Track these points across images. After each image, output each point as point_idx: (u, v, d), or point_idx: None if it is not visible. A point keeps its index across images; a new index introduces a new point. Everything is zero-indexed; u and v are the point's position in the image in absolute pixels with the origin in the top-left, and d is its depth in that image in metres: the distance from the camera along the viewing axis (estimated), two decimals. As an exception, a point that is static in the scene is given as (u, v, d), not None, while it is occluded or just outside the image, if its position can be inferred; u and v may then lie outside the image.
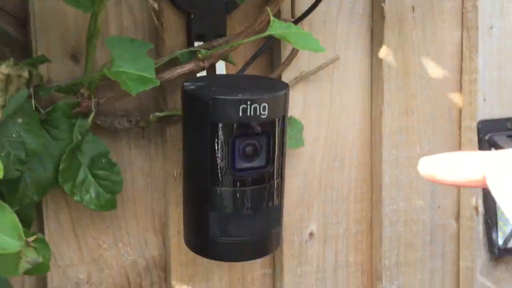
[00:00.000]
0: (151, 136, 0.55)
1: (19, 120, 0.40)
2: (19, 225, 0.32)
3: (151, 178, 0.56)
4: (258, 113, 0.43)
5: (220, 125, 0.43)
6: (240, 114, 0.42)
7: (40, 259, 0.37)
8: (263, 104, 0.43)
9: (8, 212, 0.32)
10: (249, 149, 0.45)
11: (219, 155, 0.44)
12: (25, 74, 0.39)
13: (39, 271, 0.41)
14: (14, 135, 0.40)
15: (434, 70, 0.64)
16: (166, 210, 0.57)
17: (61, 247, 0.53)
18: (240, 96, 0.42)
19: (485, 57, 0.65)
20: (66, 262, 0.53)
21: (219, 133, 0.43)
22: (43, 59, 0.46)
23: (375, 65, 0.62)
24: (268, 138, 0.45)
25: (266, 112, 0.43)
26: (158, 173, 0.56)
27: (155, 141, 0.56)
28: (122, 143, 0.54)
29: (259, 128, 0.44)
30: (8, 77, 0.38)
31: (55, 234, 0.53)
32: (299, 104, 0.59)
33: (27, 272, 0.37)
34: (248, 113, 0.42)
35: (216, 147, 0.44)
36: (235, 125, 0.43)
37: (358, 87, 0.62)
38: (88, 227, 0.54)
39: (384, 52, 0.61)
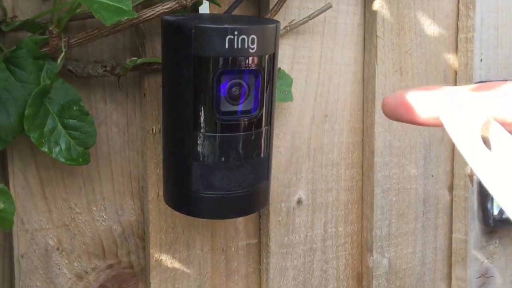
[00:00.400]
0: (128, 89, 0.50)
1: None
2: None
3: (128, 136, 0.51)
4: (246, 46, 0.38)
5: (203, 59, 0.38)
6: (226, 46, 0.38)
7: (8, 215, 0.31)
8: (252, 36, 0.38)
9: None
10: (235, 89, 0.40)
11: (202, 96, 0.39)
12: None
13: (2, 225, 0.35)
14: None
15: (430, 27, 0.61)
16: (144, 172, 0.52)
17: (29, 209, 0.48)
18: (226, 26, 0.38)
19: (482, 15, 0.61)
20: (34, 226, 0.48)
21: (203, 69, 0.39)
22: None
23: (368, 18, 0.58)
24: (257, 78, 0.40)
25: (255, 45, 0.39)
26: (136, 130, 0.51)
27: (133, 94, 0.51)
28: (97, 96, 0.49)
29: (248, 64, 0.39)
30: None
31: (22, 194, 0.47)
32: (288, 59, 0.55)
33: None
34: (235, 45, 0.38)
35: (199, 86, 0.39)
36: (220, 59, 0.38)
37: (350, 43, 0.58)
38: (59, 187, 0.49)
39: (378, 5, 0.57)
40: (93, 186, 0.50)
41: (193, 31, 0.38)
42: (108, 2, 0.41)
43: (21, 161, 0.47)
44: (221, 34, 0.37)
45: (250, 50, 0.39)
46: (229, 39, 0.38)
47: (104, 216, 0.51)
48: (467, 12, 0.61)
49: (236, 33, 0.38)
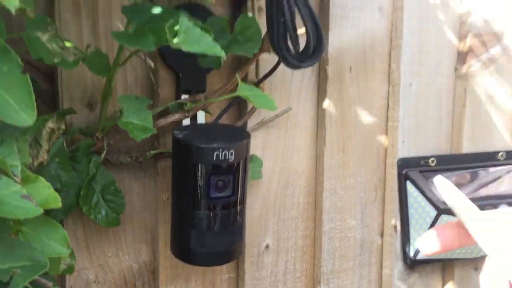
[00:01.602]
0: (146, 169, 0.70)
1: (56, 160, 0.54)
2: (67, 237, 0.46)
3: (145, 201, 0.70)
4: (227, 157, 0.58)
5: (199, 165, 0.58)
6: (214, 158, 0.57)
7: (73, 263, 0.50)
8: (231, 151, 0.58)
9: (60, 228, 0.46)
10: (220, 183, 0.59)
11: (199, 187, 0.59)
12: (63, 126, 0.53)
13: (69, 271, 0.54)
14: (52, 171, 0.53)
15: (366, 118, 0.80)
16: (156, 227, 0.71)
17: (76, 255, 0.67)
18: (214, 145, 0.57)
19: (404, 108, 0.81)
20: (79, 266, 0.67)
21: (199, 171, 0.58)
22: (71, 111, 0.60)
23: (320, 114, 0.78)
24: (234, 175, 0.60)
25: (233, 156, 0.58)
26: (151, 197, 0.70)
27: (150, 172, 0.70)
28: (124, 174, 0.68)
29: (228, 168, 0.59)
30: (52, 130, 0.52)
31: (72, 245, 0.66)
32: (260, 144, 0.74)
33: (64, 272, 0.50)
34: (220, 157, 0.57)
35: (196, 181, 0.59)
36: (210, 166, 0.58)
37: (306, 132, 0.78)
38: (97, 240, 0.68)
39: (326, 104, 0.77)
40: (119, 237, 0.69)
41: (193, 148, 0.57)
42: (137, 122, 0.60)
43: (73, 224, 0.66)
44: (211, 151, 0.57)
45: (229, 160, 0.58)
46: (216, 154, 0.57)
47: (127, 258, 0.70)
48: (394, 106, 0.81)
49: (220, 149, 0.57)
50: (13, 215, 0.39)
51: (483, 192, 0.81)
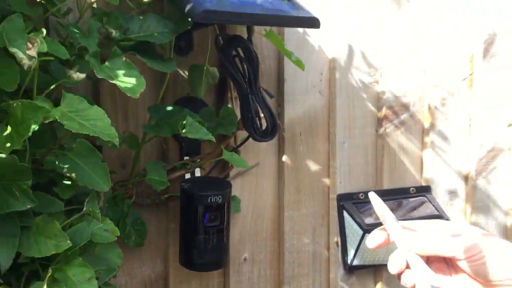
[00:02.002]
0: (161, 208, 1.01)
1: (106, 204, 0.86)
2: (121, 254, 0.76)
3: (160, 230, 1.01)
4: (216, 200, 0.90)
5: (199, 206, 0.90)
6: (208, 201, 0.89)
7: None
8: (219, 196, 0.90)
9: (117, 248, 0.77)
10: (212, 217, 0.91)
11: (198, 220, 0.90)
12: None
13: (114, 276, 0.85)
14: (104, 212, 0.85)
15: (313, 167, 1.13)
16: (167, 247, 1.02)
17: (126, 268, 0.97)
18: (209, 193, 0.89)
19: (340, 159, 1.14)
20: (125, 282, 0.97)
21: (198, 209, 0.90)
22: (112, 172, 0.92)
23: (280, 166, 1.10)
24: (221, 211, 0.92)
25: (221, 198, 0.90)
26: (164, 227, 1.01)
27: (163, 210, 1.01)
28: (146, 211, 0.99)
29: (217, 207, 0.91)
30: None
31: (109, 259, 0.97)
32: (239, 188, 1.06)
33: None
34: (212, 200, 0.89)
35: (197, 216, 0.90)
36: (206, 206, 0.90)
37: (271, 178, 1.10)
38: (127, 257, 0.98)
39: (284, 158, 1.09)
40: (142, 254, 1.00)
41: (195, 195, 0.89)
42: (157, 178, 0.92)
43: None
44: (206, 196, 0.89)
45: (218, 202, 0.90)
46: (210, 198, 0.89)
47: (147, 269, 1.01)
48: (332, 158, 1.14)
49: (212, 195, 0.89)
50: (100, 240, 0.70)
51: (397, 215, 1.14)
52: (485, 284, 0.58)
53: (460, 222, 0.59)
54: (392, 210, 1.15)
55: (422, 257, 0.58)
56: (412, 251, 0.58)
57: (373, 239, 0.60)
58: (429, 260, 0.60)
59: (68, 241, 0.65)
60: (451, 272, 0.60)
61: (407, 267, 0.58)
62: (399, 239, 0.58)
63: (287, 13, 0.77)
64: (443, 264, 0.61)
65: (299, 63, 0.93)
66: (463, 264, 0.58)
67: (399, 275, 0.59)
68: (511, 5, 1.23)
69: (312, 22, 0.79)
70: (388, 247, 0.60)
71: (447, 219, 1.18)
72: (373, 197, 0.62)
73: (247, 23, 0.82)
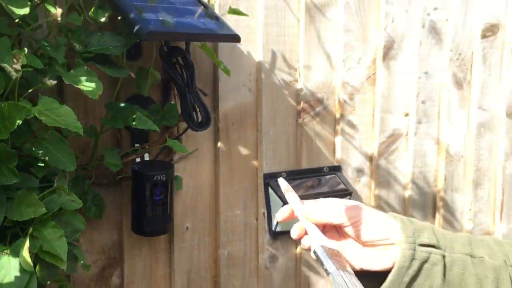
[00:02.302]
0: (116, 186, 1.21)
1: (71, 184, 1.05)
2: (84, 220, 0.96)
3: (115, 205, 1.21)
4: (161, 178, 1.11)
5: (147, 184, 1.11)
6: (154, 179, 1.10)
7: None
8: (163, 175, 1.11)
9: (80, 217, 0.97)
10: (158, 192, 1.12)
11: (147, 195, 1.11)
12: (75, 167, 1.04)
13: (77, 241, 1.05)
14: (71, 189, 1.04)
15: (244, 151, 1.36)
16: (121, 218, 1.22)
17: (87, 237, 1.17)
18: (155, 173, 1.10)
19: (266, 145, 1.37)
20: (80, 241, 1.17)
21: (147, 187, 1.11)
22: (77, 156, 1.11)
23: (216, 151, 1.32)
24: (166, 188, 1.13)
25: (164, 178, 1.11)
26: (118, 202, 1.22)
27: (117, 188, 1.21)
28: (104, 190, 1.19)
29: (162, 184, 1.12)
30: (71, 169, 1.03)
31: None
32: (181, 170, 1.27)
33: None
34: (157, 179, 1.10)
35: (145, 192, 1.11)
36: (153, 183, 1.11)
37: (209, 160, 1.32)
38: (89, 228, 1.18)
39: (219, 144, 1.31)
40: (101, 225, 1.20)
41: (144, 175, 1.10)
42: (113, 161, 1.12)
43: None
44: (153, 175, 1.10)
45: (163, 179, 1.11)
46: (155, 177, 1.10)
47: (105, 236, 1.21)
48: (260, 144, 1.37)
49: (158, 175, 1.10)
50: (68, 208, 0.90)
51: (312, 190, 1.39)
52: (366, 244, 0.70)
53: (351, 200, 0.76)
54: (309, 186, 1.41)
55: (318, 226, 0.71)
56: (308, 220, 0.71)
57: (280, 213, 0.75)
58: (325, 229, 0.73)
59: (43, 209, 0.85)
60: (341, 238, 0.73)
61: (306, 233, 0.71)
62: (299, 211, 0.72)
63: (214, 31, 0.98)
64: (335, 232, 0.73)
65: (226, 71, 1.15)
66: (348, 230, 0.70)
67: (299, 239, 0.72)
68: (403, 17, 1.49)
69: (234, 38, 1.01)
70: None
71: (352, 192, 1.44)
72: (281, 181, 0.77)
73: (183, 40, 1.03)
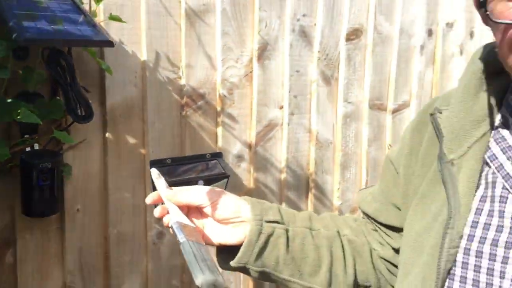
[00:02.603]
0: (7, 173, 1.33)
1: (-38, 172, 1.16)
2: None
3: (6, 190, 1.33)
4: (46, 166, 1.24)
5: (34, 171, 1.24)
6: (40, 167, 1.24)
7: None
8: (48, 163, 1.25)
9: None
10: (44, 178, 1.26)
11: (34, 180, 1.25)
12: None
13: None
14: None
15: (131, 140, 1.51)
16: (13, 203, 1.34)
17: None
18: (40, 161, 1.24)
19: (152, 135, 1.54)
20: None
21: (34, 173, 1.24)
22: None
23: (105, 140, 1.47)
24: (51, 175, 1.27)
25: (50, 165, 1.25)
26: (9, 186, 1.34)
27: (9, 175, 1.33)
28: (-5, 176, 1.31)
29: (47, 171, 1.25)
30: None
31: None
32: (71, 158, 1.41)
33: None
34: (43, 166, 1.24)
35: (32, 177, 1.25)
36: (38, 170, 1.24)
37: (97, 149, 1.46)
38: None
39: (107, 135, 1.46)
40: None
41: (31, 162, 1.23)
42: (1, 151, 1.24)
43: None
44: (39, 163, 1.24)
45: (48, 167, 1.25)
46: (41, 165, 1.24)
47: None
48: (147, 134, 1.53)
49: (43, 162, 1.24)
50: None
51: (194, 174, 1.58)
52: (221, 222, 0.81)
53: (217, 188, 0.84)
54: (192, 169, 1.59)
55: (183, 208, 0.79)
56: (171, 201, 0.80)
57: (149, 197, 0.85)
58: (190, 211, 0.82)
59: None
60: (202, 217, 0.82)
61: (168, 213, 0.81)
62: (163, 194, 0.82)
63: (89, 37, 1.13)
64: (198, 213, 0.83)
65: (108, 70, 1.30)
66: (207, 210, 0.80)
67: (161, 218, 0.82)
68: (276, 22, 1.70)
69: (108, 44, 1.16)
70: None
71: (229, 175, 1.64)
72: (152, 171, 0.88)
73: (58, 46, 1.17)
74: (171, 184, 1.51)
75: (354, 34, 1.86)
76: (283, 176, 1.81)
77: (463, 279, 0.66)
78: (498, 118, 0.70)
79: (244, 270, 0.81)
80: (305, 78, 1.79)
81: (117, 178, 1.50)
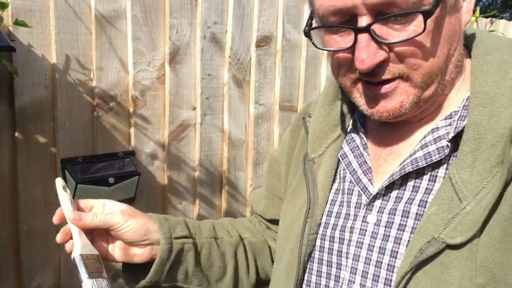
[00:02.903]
0: None
1: None
2: None
3: None
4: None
5: None
6: None
7: None
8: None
9: None
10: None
11: None
12: None
13: None
14: None
15: (42, 139, 1.57)
16: None
17: None
18: None
19: (63, 134, 1.60)
20: None
21: None
22: None
23: (14, 140, 1.52)
24: None
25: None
26: None
27: None
28: None
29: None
30: None
31: None
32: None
33: None
34: None
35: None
36: None
37: (8, 149, 1.51)
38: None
39: (17, 134, 1.52)
40: None
41: None
42: None
43: None
44: None
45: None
46: None
47: None
48: (57, 131, 1.59)
49: None
50: None
51: (106, 172, 1.65)
52: (131, 244, 0.79)
53: (124, 205, 0.81)
54: (105, 167, 1.66)
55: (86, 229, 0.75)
56: (75, 225, 0.74)
57: (55, 217, 0.78)
58: (96, 232, 0.77)
59: None
60: (110, 241, 0.79)
61: (71, 237, 0.74)
62: (67, 215, 0.75)
63: (-12, 42, 1.19)
64: (104, 232, 0.78)
65: (14, 71, 1.36)
66: (115, 234, 0.78)
67: (64, 243, 0.75)
68: (187, 29, 1.80)
69: (10, 49, 1.23)
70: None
71: (140, 172, 1.73)
72: (57, 181, 0.78)
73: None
74: (83, 181, 1.59)
75: (264, 41, 1.99)
76: (196, 174, 1.91)
77: (320, 261, 0.74)
78: (350, 123, 0.80)
79: (154, 287, 0.82)
80: (217, 81, 1.90)
81: (28, 176, 1.56)
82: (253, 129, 2.02)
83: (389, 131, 0.74)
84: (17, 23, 1.36)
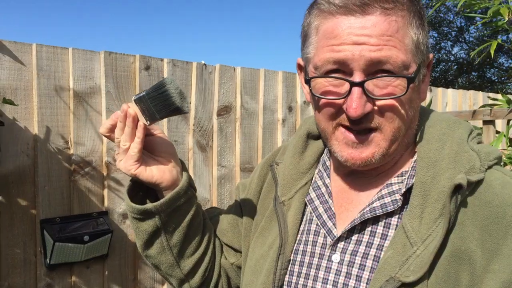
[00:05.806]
0: None
1: None
2: None
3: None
4: None
5: None
6: None
7: None
8: None
9: None
10: None
11: None
12: None
13: None
14: None
15: (23, 202, 1.72)
16: None
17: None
18: None
19: (42, 197, 1.76)
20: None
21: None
22: None
23: (-2, 203, 1.67)
24: None
25: None
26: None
27: None
28: None
29: None
30: None
31: None
32: None
33: None
34: None
35: None
36: None
37: (-9, 211, 1.66)
38: None
39: (0, 198, 1.67)
40: None
41: None
42: None
43: None
44: None
45: None
46: None
47: None
48: (38, 195, 1.75)
49: None
50: None
51: (81, 230, 1.80)
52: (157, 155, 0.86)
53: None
54: (80, 226, 1.81)
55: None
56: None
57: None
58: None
59: None
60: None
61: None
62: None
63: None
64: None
65: (-1, 141, 1.54)
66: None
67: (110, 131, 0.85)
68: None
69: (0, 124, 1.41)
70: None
71: (112, 230, 1.87)
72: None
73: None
74: (61, 240, 1.73)
75: (224, 110, 2.22)
76: (165, 230, 2.05)
77: None
78: (316, 172, 0.89)
79: (149, 214, 0.85)
80: (183, 146, 2.11)
81: (10, 236, 1.69)
82: (216, 189, 2.20)
83: (351, 182, 0.83)
84: (5, 101, 1.56)
